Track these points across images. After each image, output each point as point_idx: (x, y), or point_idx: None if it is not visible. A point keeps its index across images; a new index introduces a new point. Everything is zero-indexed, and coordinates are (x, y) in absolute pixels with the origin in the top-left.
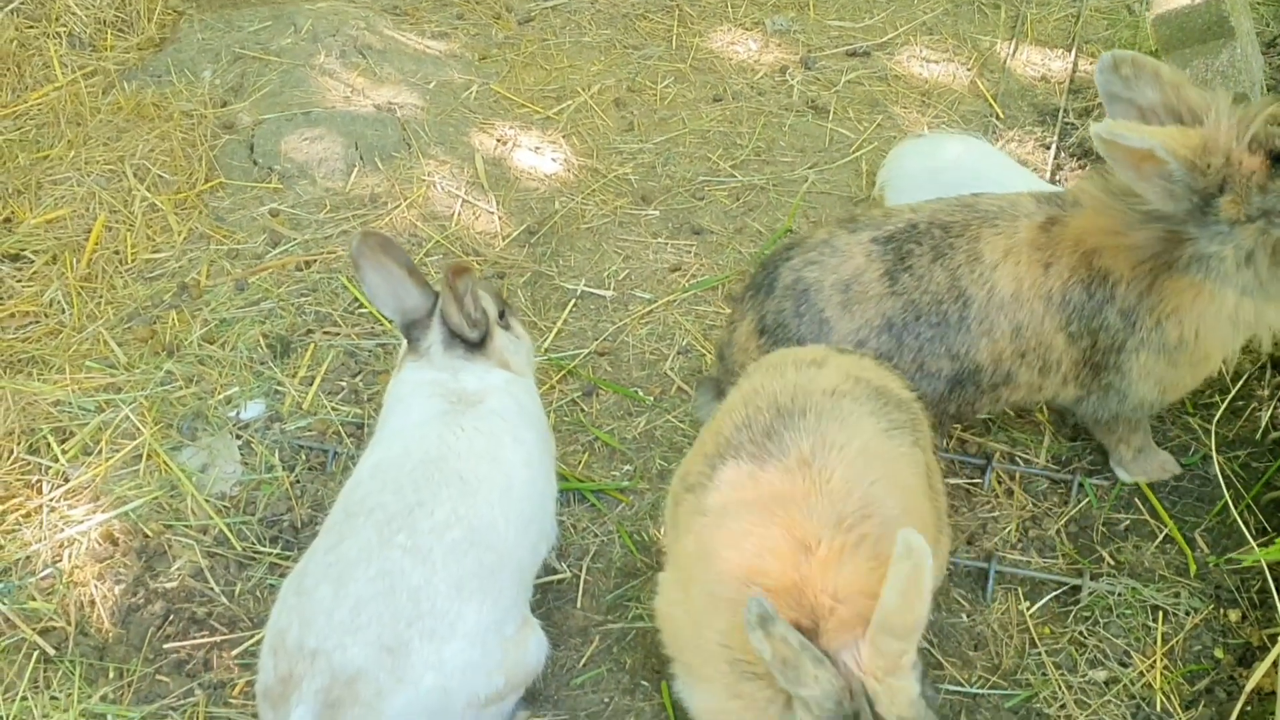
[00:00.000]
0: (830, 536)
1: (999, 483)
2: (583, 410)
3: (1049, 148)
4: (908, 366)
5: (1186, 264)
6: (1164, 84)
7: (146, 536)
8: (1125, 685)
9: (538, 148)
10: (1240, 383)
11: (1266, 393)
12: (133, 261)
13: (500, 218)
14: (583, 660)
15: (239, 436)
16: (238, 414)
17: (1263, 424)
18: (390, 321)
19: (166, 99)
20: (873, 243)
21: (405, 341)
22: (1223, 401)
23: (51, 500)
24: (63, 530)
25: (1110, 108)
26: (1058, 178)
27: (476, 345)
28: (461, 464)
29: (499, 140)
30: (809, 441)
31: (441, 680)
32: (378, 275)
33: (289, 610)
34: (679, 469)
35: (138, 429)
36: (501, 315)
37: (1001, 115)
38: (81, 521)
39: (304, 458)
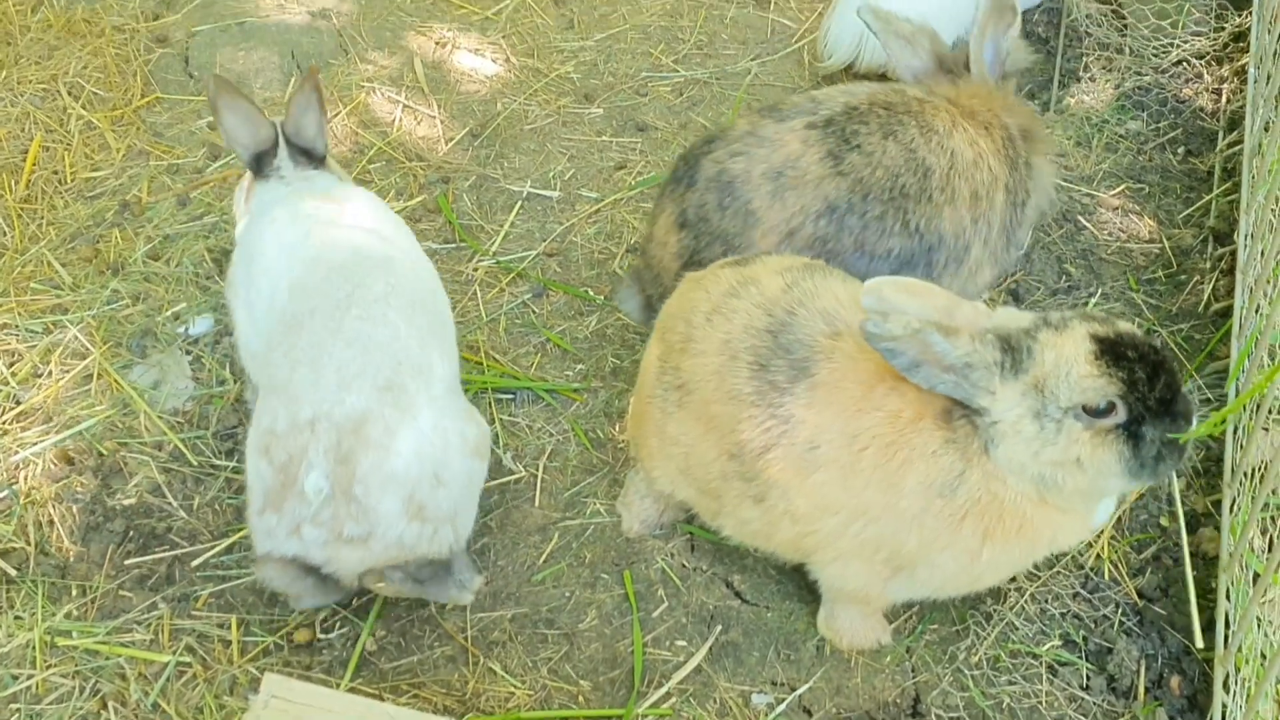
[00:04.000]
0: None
1: None
2: (533, 312)
3: None
4: (845, 250)
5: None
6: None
7: (102, 455)
8: (1074, 557)
9: (477, 49)
10: (1184, 258)
11: (1208, 265)
12: (72, 181)
13: (442, 121)
14: (543, 557)
15: (189, 352)
16: (186, 330)
17: (1205, 296)
18: (242, 158)
19: (97, 14)
20: (808, 129)
21: (247, 179)
22: (1165, 276)
23: (4, 423)
24: (17, 453)
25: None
26: None
27: (320, 160)
28: (372, 246)
29: (437, 43)
30: (820, 350)
31: (435, 417)
32: (235, 114)
33: (269, 411)
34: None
35: (87, 349)
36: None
37: None
38: (35, 443)
39: None
